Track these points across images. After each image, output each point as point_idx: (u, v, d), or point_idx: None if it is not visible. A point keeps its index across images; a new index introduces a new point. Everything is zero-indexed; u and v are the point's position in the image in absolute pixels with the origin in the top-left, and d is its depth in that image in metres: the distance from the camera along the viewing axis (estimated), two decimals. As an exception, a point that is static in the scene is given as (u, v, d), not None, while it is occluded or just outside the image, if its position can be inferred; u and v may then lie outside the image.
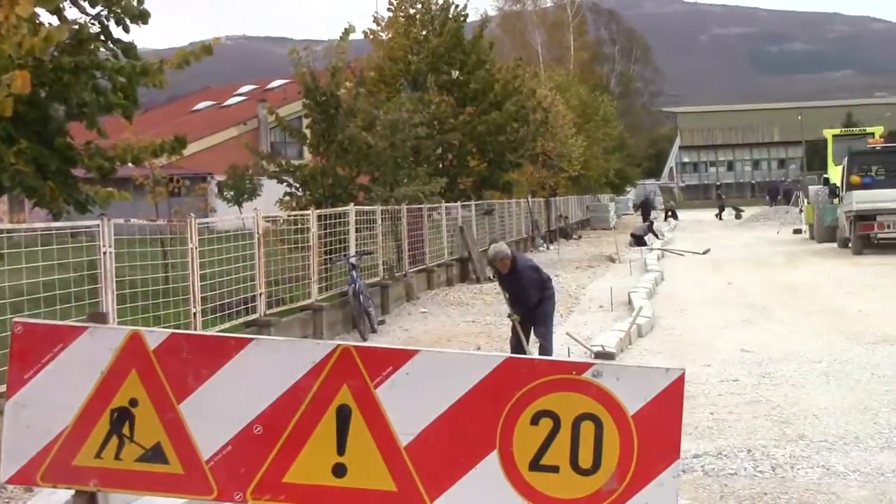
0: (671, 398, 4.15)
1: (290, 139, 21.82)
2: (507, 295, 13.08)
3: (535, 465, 4.27)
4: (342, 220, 17.79)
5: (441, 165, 29.05)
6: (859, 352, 13.61)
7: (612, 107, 60.11)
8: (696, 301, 20.51)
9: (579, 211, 58.96)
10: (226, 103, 77.68)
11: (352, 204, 18.32)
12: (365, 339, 16.29)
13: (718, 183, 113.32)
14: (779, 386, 11.77)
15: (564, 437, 4.23)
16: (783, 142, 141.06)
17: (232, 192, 47.37)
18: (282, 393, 4.94)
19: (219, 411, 5.07)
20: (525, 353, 12.76)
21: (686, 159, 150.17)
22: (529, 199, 40.51)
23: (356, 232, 18.76)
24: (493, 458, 4.33)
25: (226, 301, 13.03)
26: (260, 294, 13.84)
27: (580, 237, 48.91)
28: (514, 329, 12.94)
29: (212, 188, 46.07)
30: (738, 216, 64.75)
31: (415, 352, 4.46)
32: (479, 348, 15.34)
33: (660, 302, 20.63)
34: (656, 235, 43.46)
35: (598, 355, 4.32)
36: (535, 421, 4.27)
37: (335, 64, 20.28)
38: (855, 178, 29.46)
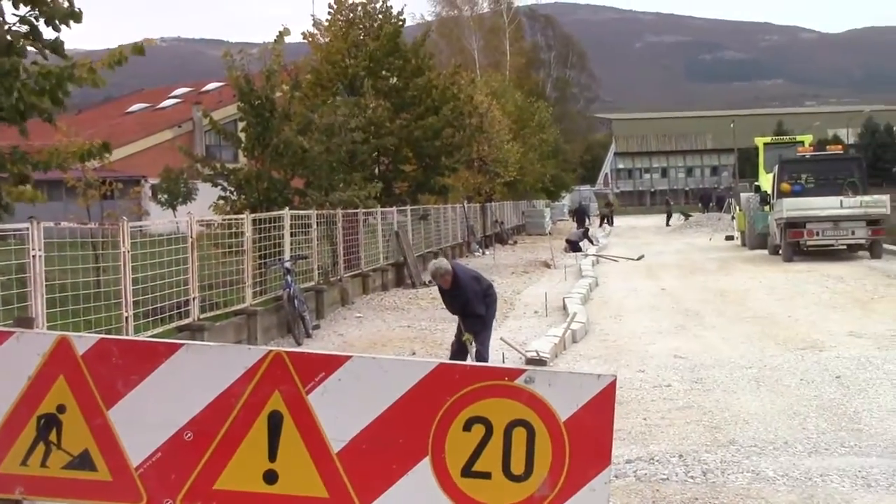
0: (603, 404, 4.16)
1: (225, 143, 21.60)
2: (454, 310, 12.99)
3: (467, 472, 4.25)
4: (277, 224, 17.68)
5: (377, 170, 29.02)
6: (789, 358, 13.79)
7: (548, 113, 60.36)
8: (631, 307, 20.66)
9: (515, 216, 59.18)
10: (160, 105, 76.92)
11: (287, 208, 18.20)
12: (299, 344, 16.20)
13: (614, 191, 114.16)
14: (710, 391, 11.88)
15: (497, 443, 4.22)
16: (716, 149, 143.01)
17: (166, 196, 46.92)
18: (213, 399, 4.87)
19: (149, 417, 4.99)
20: (464, 360, 12.77)
21: (621, 165, 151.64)
22: (465, 205, 40.57)
23: (291, 236, 18.66)
24: (425, 465, 4.30)
25: (158, 305, 12.87)
26: (193, 298, 13.70)
27: (515, 242, 49.13)
28: (458, 335, 12.90)
29: (146, 191, 45.58)
30: (686, 218, 65.59)
31: (347, 357, 4.42)
32: (413, 353, 15.32)
33: (594, 307, 20.75)
34: (591, 241, 43.79)
35: (531, 361, 4.29)
36: (467, 427, 4.25)
37: (270, 67, 20.15)
38: (785, 186, 29.90)
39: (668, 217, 70.54)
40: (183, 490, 4.90)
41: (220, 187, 20.42)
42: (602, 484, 4.15)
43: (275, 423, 4.67)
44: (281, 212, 17.88)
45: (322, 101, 25.57)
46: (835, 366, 13.04)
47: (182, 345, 5.10)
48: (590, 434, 4.16)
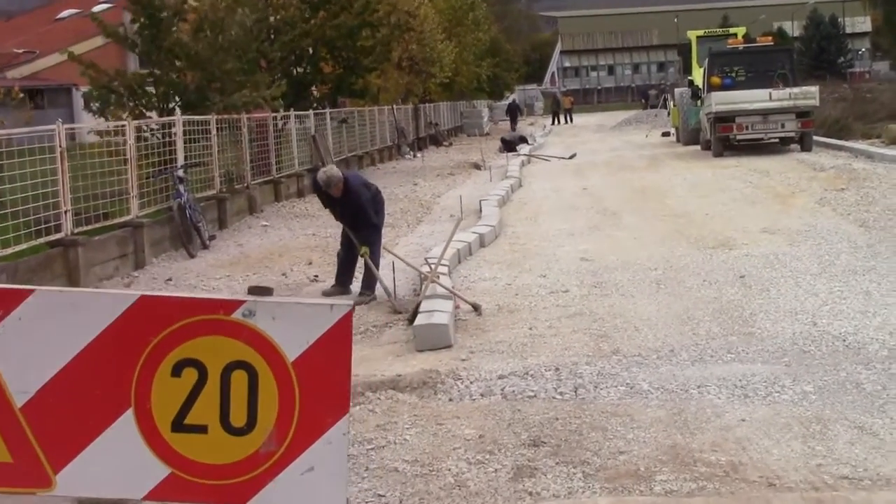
0: (338, 340, 3.42)
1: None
2: (344, 220, 12.31)
3: (178, 426, 3.50)
4: (169, 130, 16.75)
5: (295, 72, 27.87)
6: (696, 257, 13.23)
7: (483, 10, 58.89)
8: (549, 208, 20.02)
9: (453, 118, 58.18)
10: (92, 10, 74.50)
11: (178, 113, 17.24)
12: (192, 256, 15.44)
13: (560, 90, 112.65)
14: (608, 296, 11.29)
15: (212, 390, 3.46)
16: (662, 45, 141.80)
17: (97, 104, 45.27)
18: None
19: None
20: (353, 273, 12.12)
21: (567, 64, 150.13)
22: (394, 107, 39.53)
23: (194, 143, 17.79)
24: (128, 418, 3.52)
25: (21, 220, 12.00)
26: (65, 211, 12.82)
27: (450, 144, 48.14)
28: (344, 244, 12.24)
29: (76, 100, 43.93)
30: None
31: (28, 291, 3.61)
32: (310, 263, 14.65)
33: (511, 209, 20.12)
34: (526, 141, 43.03)
35: (253, 290, 3.52)
36: (176, 372, 3.48)
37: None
38: (715, 80, 29.16)
39: (554, 117, 70.51)
40: None
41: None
42: (340, 435, 3.44)
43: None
44: (171, 118, 16.92)
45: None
46: (741, 265, 12.50)
47: None
48: (324, 376, 3.42)
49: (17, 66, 60.68)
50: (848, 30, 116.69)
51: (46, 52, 53.71)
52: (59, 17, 75.83)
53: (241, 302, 3.45)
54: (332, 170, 12.08)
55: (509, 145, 40.08)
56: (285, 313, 3.43)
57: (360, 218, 11.93)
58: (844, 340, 8.75)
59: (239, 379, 3.44)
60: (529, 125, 66.93)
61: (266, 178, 22.11)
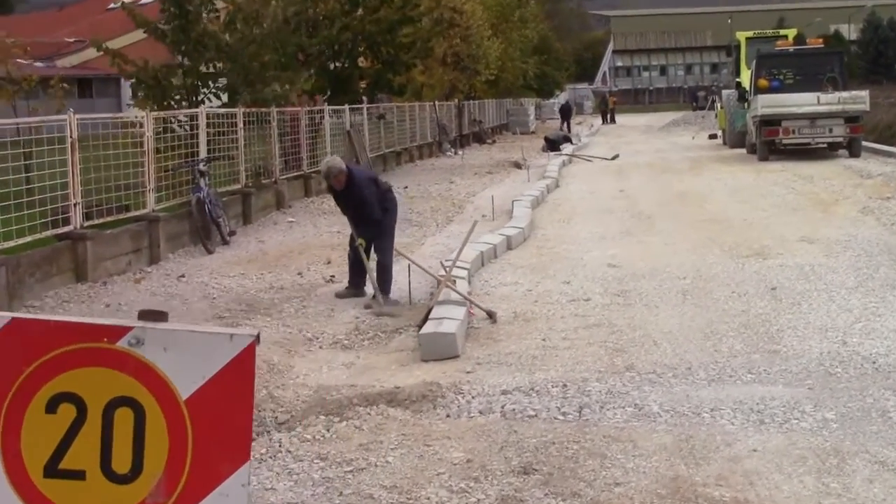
0: (239, 376, 2.92)
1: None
2: (348, 215, 11.95)
3: (52, 470, 2.98)
4: (196, 122, 16.41)
5: (334, 67, 27.45)
6: (728, 266, 12.68)
7: (530, 7, 58.13)
8: (583, 210, 19.50)
9: (498, 115, 57.61)
10: (142, 1, 74.85)
11: (202, 106, 16.90)
12: (210, 252, 15.06)
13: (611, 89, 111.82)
14: (630, 306, 10.79)
15: (92, 430, 2.95)
16: (716, 46, 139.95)
17: (142, 94, 45.17)
18: None
19: None
20: (365, 273, 11.65)
21: (619, 63, 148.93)
22: (436, 103, 39.04)
23: (220, 136, 17.47)
24: None
25: (26, 212, 11.67)
26: (74, 204, 12.47)
27: (494, 142, 47.60)
28: (351, 245, 11.81)
29: (125, 90, 43.92)
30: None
31: None
32: (329, 262, 14.21)
33: (545, 211, 19.65)
34: (570, 141, 42.44)
35: (144, 315, 2.98)
36: (51, 408, 2.97)
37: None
38: (763, 82, 28.47)
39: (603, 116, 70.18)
40: None
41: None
42: (238, 487, 2.93)
43: None
44: (195, 110, 16.57)
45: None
46: (775, 276, 11.94)
47: None
48: (222, 417, 2.93)
49: (67, 54, 61.01)
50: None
51: (97, 41, 54.04)
52: (110, 6, 76.26)
53: (128, 328, 2.98)
54: (334, 160, 11.68)
55: (553, 144, 39.51)
56: (178, 343, 2.95)
57: (363, 213, 11.51)
58: (874, 362, 8.19)
59: (123, 418, 2.96)
60: (577, 124, 66.05)
61: (296, 174, 21.71)
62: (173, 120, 17.76)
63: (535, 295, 11.58)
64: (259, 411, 7.87)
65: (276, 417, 7.67)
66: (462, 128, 44.79)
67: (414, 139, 35.07)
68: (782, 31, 37.87)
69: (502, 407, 7.34)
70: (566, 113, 61.66)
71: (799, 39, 34.74)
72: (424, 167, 32.52)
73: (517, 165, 31.66)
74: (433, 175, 28.81)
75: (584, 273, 12.79)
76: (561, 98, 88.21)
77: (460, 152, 38.96)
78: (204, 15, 18.37)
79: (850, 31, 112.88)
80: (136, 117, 14.68)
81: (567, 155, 34.71)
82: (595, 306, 10.84)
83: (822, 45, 31.78)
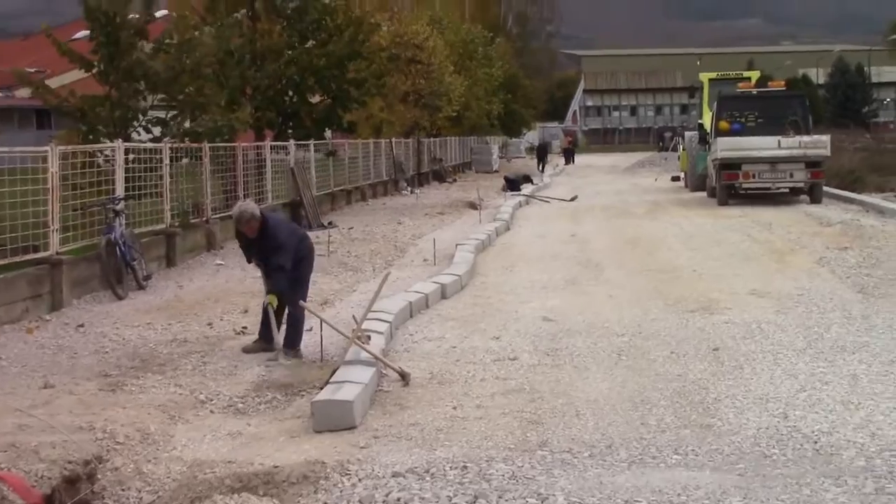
0: None
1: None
2: (260, 266, 11.00)
3: None
4: (110, 158, 15.44)
5: (283, 101, 26.49)
6: (671, 322, 11.81)
7: (494, 45, 57.49)
8: (530, 256, 18.62)
9: (462, 153, 56.83)
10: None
11: (119, 140, 15.91)
12: (121, 298, 14.03)
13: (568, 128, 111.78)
14: (559, 367, 9.88)
15: None
16: (686, 87, 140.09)
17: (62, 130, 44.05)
18: None
19: None
20: (273, 336, 10.65)
21: (590, 103, 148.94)
22: (393, 140, 38.18)
23: (147, 172, 16.51)
24: None
25: None
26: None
27: (454, 181, 46.74)
28: (265, 308, 10.79)
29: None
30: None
31: None
32: (246, 311, 13.25)
33: (490, 256, 18.77)
34: (531, 181, 41.73)
35: None
36: None
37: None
38: (723, 125, 27.80)
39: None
40: None
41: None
42: None
43: None
44: (111, 144, 15.59)
45: (213, 23, 23.10)
46: (719, 334, 11.08)
47: None
48: None
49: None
50: (874, 79, 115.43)
51: (58, 71, 53.12)
52: (74, 37, 75.34)
53: None
54: (247, 205, 10.77)
55: (513, 184, 38.77)
56: None
57: (272, 261, 10.56)
58: (816, 442, 7.29)
59: None
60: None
61: (230, 213, 20.64)
62: (99, 154, 16.80)
63: (459, 352, 10.65)
64: (122, 489, 6.95)
65: (141, 499, 6.73)
66: (421, 165, 43.93)
67: (368, 177, 34.17)
68: (745, 73, 37.31)
69: (386, 496, 6.36)
70: (543, 152, 60.49)
71: (762, 82, 34.10)
72: (375, 206, 31.59)
73: (472, 206, 30.78)
74: (382, 215, 27.90)
75: (517, 327, 11.88)
76: (532, 137, 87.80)
77: (417, 191, 38.08)
78: (140, 44, 17.36)
79: (819, 76, 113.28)
80: (40, 152, 13.61)
81: (525, 196, 33.90)
82: (520, 367, 9.92)
83: (784, 88, 31.14)
